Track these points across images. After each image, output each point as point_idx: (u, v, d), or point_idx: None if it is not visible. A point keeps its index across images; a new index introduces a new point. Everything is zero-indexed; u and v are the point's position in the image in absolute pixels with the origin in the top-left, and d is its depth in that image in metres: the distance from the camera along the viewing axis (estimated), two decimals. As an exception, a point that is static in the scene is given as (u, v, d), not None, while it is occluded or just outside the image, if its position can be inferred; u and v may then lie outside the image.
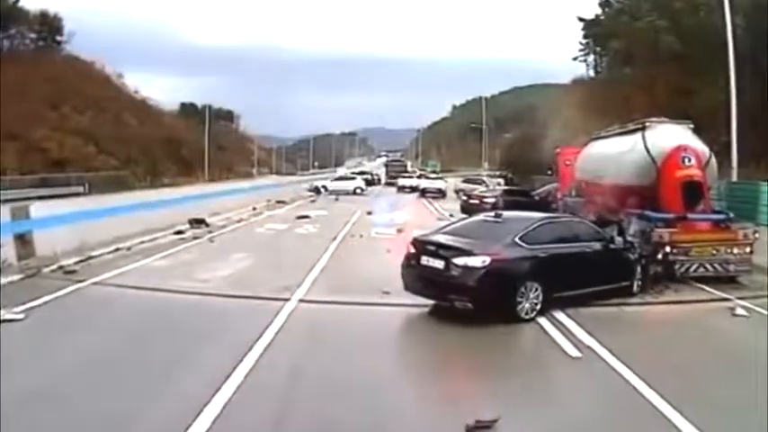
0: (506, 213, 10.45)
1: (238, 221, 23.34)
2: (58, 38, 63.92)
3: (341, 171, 62.53)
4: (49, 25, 62.69)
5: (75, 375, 6.56)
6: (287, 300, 9.98)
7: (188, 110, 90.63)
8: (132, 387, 6.22)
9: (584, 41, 62.03)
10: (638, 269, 11.18)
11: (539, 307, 9.18)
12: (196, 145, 71.79)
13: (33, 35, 62.31)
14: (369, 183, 55.79)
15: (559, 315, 9.39)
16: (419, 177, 52.22)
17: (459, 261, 8.90)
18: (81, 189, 42.11)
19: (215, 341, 7.84)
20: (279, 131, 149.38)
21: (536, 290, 9.13)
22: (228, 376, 6.43)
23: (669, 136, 14.20)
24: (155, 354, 7.33)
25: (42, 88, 50.64)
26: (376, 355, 7.69)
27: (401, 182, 50.94)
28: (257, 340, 7.73)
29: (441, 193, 43.71)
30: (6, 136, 42.24)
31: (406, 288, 9.83)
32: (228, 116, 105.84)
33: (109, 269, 12.32)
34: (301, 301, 10.08)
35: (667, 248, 12.38)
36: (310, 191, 45.93)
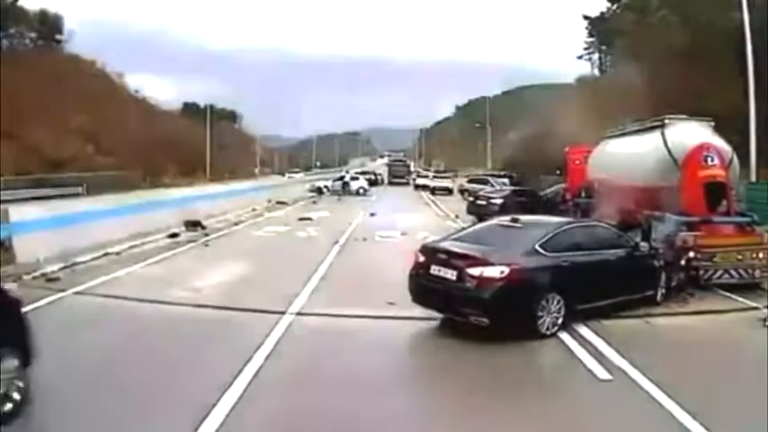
0: (524, 218, 9.57)
1: (236, 224, 22.55)
2: (58, 37, 63.29)
3: (343, 171, 61.80)
4: (49, 24, 62.02)
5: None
6: (283, 313, 9.18)
7: (190, 110, 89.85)
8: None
9: (588, 40, 61.41)
10: (663, 277, 10.37)
11: (560, 321, 8.37)
12: (197, 145, 71.01)
13: (33, 34, 61.69)
14: (372, 183, 55.08)
15: (582, 329, 8.62)
16: (433, 178, 55.91)
17: (475, 271, 8.02)
18: (79, 190, 41.30)
19: (198, 367, 7.02)
20: (282, 131, 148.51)
21: (558, 302, 8.30)
22: (209, 413, 5.65)
23: (690, 134, 13.54)
24: (118, 393, 6.24)
25: (40, 87, 49.85)
26: (382, 381, 6.84)
27: (419, 181, 55.63)
28: (246, 365, 6.93)
29: (448, 191, 47.45)
30: (2, 136, 41.50)
31: (414, 300, 9.01)
32: (231, 116, 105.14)
33: (94, 277, 11.55)
34: (299, 314, 9.28)
35: (691, 254, 11.60)
36: (312, 191, 45.05)
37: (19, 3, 58.77)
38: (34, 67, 51.48)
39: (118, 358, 7.22)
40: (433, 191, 48.16)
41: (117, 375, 6.69)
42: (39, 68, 51.98)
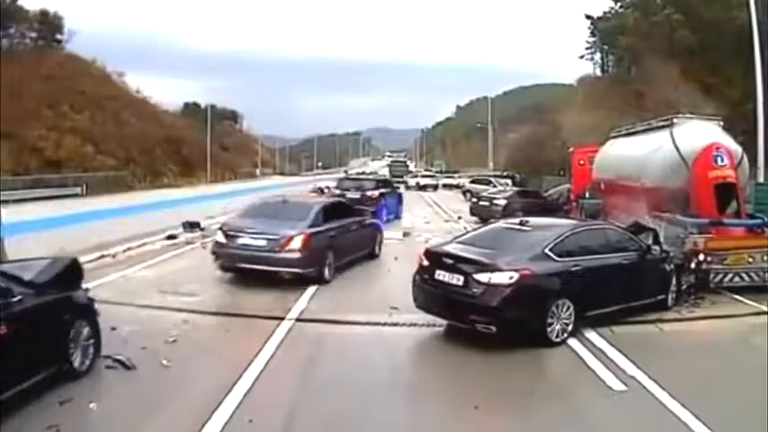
0: (532, 220, 9.21)
1: (236, 225, 22.16)
2: (59, 36, 62.90)
3: (342, 172, 61.95)
4: (49, 24, 61.65)
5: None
6: (281, 319, 8.85)
7: (191, 109, 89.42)
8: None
9: (590, 39, 60.93)
10: (674, 280, 10.06)
11: (570, 328, 8.04)
12: (198, 145, 70.61)
13: (33, 34, 61.32)
14: (373, 183, 54.92)
15: (592, 335, 8.31)
16: (422, 176, 61.03)
17: (482, 277, 7.68)
18: (78, 190, 40.98)
19: (191, 381, 6.67)
20: (283, 132, 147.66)
21: (568, 308, 7.98)
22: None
23: (699, 133, 13.22)
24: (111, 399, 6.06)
25: (39, 87, 49.54)
26: (383, 393, 6.50)
27: (420, 181, 57.98)
28: (240, 376, 6.62)
29: (434, 188, 54.45)
30: (2, 136, 41.17)
31: (418, 306, 8.68)
32: (232, 116, 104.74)
33: (87, 281, 11.14)
34: (298, 320, 8.95)
35: (701, 256, 11.28)
36: (313, 192, 44.66)
37: (19, 2, 58.47)
38: (34, 67, 51.12)
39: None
40: (424, 187, 53.64)
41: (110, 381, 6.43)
42: (39, 68, 51.65)
